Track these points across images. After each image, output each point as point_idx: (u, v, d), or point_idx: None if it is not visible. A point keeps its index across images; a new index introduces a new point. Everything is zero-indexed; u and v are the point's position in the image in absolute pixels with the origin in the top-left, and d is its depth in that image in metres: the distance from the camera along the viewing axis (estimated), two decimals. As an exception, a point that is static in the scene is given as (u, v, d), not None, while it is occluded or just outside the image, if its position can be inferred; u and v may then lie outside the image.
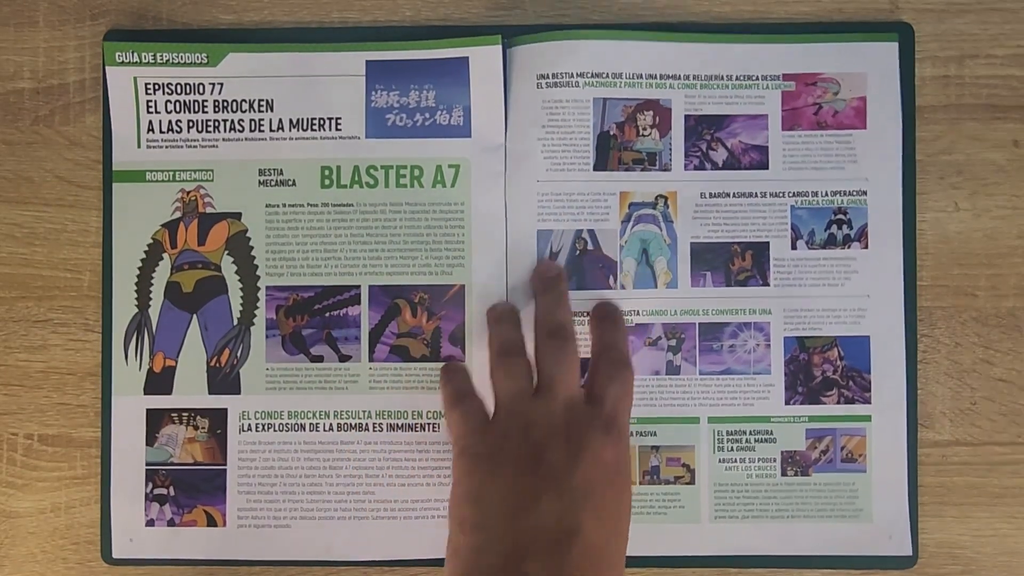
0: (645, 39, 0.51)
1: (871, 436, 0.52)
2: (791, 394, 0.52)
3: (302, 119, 0.52)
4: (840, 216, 0.52)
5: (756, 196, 0.52)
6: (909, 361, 0.52)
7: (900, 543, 0.51)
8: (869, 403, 0.52)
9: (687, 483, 0.51)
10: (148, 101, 0.52)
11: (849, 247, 0.52)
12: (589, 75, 0.51)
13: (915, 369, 0.52)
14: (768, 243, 0.52)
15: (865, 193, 0.52)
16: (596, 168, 0.51)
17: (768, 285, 0.52)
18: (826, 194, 0.52)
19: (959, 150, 0.52)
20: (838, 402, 0.52)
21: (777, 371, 0.52)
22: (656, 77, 0.51)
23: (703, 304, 0.52)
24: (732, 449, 0.52)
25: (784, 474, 0.52)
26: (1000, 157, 0.52)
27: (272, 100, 0.52)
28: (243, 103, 0.52)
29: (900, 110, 0.52)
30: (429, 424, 0.52)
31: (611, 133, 0.51)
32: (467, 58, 0.51)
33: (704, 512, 0.52)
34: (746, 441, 0.52)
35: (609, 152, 0.51)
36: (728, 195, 0.51)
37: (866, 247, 0.52)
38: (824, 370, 0.52)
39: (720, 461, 0.52)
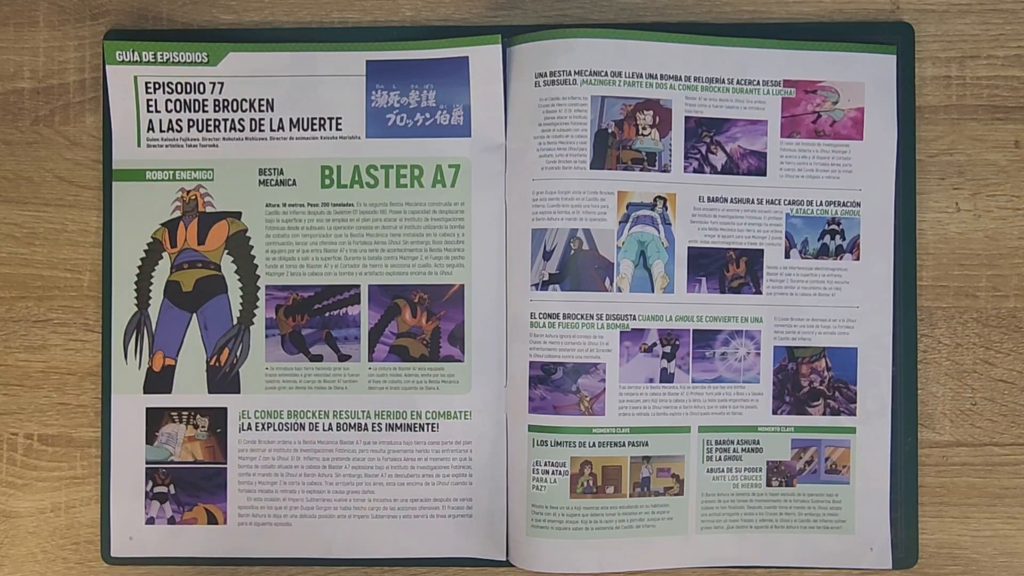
0: (645, 39, 0.53)
1: (855, 448, 0.54)
2: (778, 404, 0.54)
3: (302, 119, 0.54)
4: (833, 226, 0.54)
5: (753, 203, 0.54)
6: (896, 372, 0.54)
7: (881, 555, 0.53)
8: (854, 415, 0.54)
9: (676, 494, 0.54)
10: (148, 100, 0.54)
11: (841, 258, 0.54)
12: (587, 73, 0.53)
13: (908, 377, 0.54)
14: (762, 251, 0.54)
15: (859, 204, 0.54)
16: (593, 166, 0.53)
17: (760, 293, 0.54)
18: (821, 203, 0.54)
19: (960, 151, 0.55)
20: (824, 413, 0.54)
21: (766, 380, 0.54)
22: (656, 77, 0.53)
23: (698, 310, 0.54)
24: (720, 459, 0.54)
25: (769, 484, 0.54)
26: (1001, 158, 0.54)
27: (272, 100, 0.54)
28: (243, 102, 0.54)
29: (896, 123, 0.54)
30: (428, 424, 0.54)
31: (609, 131, 0.53)
32: (467, 58, 0.53)
33: (691, 523, 0.54)
34: (733, 451, 0.54)
35: (607, 150, 0.53)
36: (726, 200, 0.54)
37: (858, 259, 0.54)
38: (811, 380, 0.54)
39: (708, 471, 0.54)
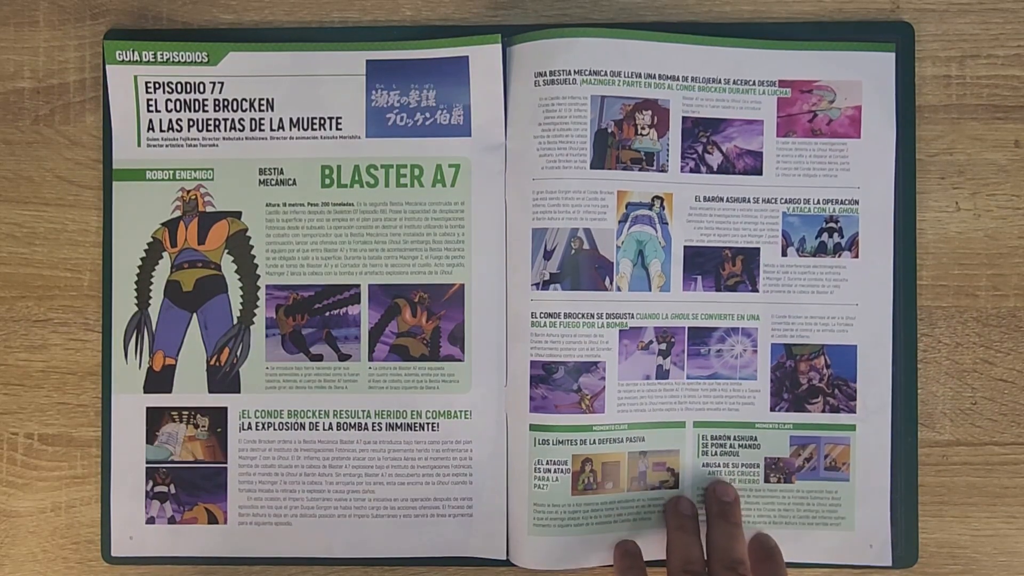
0: (644, 38, 0.54)
1: (855, 445, 0.55)
2: (776, 401, 0.55)
3: (302, 118, 0.56)
4: (831, 224, 0.55)
5: (749, 202, 0.55)
6: (896, 371, 0.55)
7: (881, 552, 0.55)
8: (854, 412, 0.55)
9: (671, 487, 0.55)
10: (148, 100, 0.56)
11: (840, 256, 0.55)
12: (587, 73, 0.54)
13: (908, 377, 0.55)
14: (759, 249, 0.55)
15: (857, 202, 0.55)
16: (593, 166, 0.54)
17: (757, 291, 0.55)
18: (818, 202, 0.55)
19: (960, 150, 0.56)
20: (823, 410, 0.55)
21: (763, 377, 0.55)
22: (655, 77, 0.55)
23: (693, 308, 0.55)
24: (716, 454, 0.55)
25: (767, 480, 0.55)
26: (1001, 157, 0.56)
27: (272, 99, 0.56)
28: (243, 102, 0.56)
29: (895, 120, 0.55)
30: (428, 423, 0.55)
31: (609, 131, 0.54)
32: (467, 57, 0.55)
33: None
34: (730, 446, 0.55)
35: (607, 150, 0.54)
36: (722, 199, 0.55)
37: (856, 256, 0.55)
38: (810, 378, 0.55)
39: (704, 466, 0.55)
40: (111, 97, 0.56)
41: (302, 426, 0.55)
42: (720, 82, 0.55)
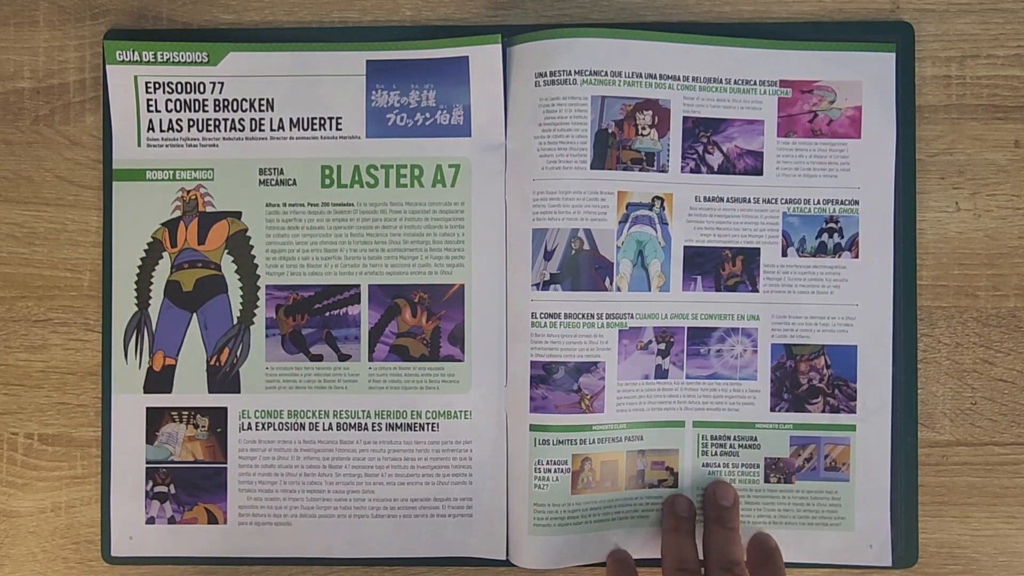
0: (644, 38, 0.55)
1: (855, 445, 0.55)
2: (776, 401, 0.56)
3: (302, 118, 0.56)
4: (832, 225, 0.55)
5: (749, 202, 0.55)
6: (896, 371, 0.55)
7: (880, 552, 0.55)
8: (854, 412, 0.55)
9: (670, 486, 0.55)
10: (148, 100, 0.56)
11: (840, 256, 0.55)
12: (587, 73, 0.54)
13: (908, 377, 0.55)
14: (759, 249, 0.55)
15: (857, 203, 0.55)
16: (594, 167, 0.54)
17: (757, 291, 0.55)
18: (818, 202, 0.55)
19: (960, 150, 0.56)
20: (823, 410, 0.55)
21: (763, 377, 0.55)
22: (656, 77, 0.55)
23: (693, 308, 0.55)
24: (716, 454, 0.55)
25: (767, 480, 0.55)
26: (1001, 157, 0.56)
27: (272, 99, 0.56)
28: (243, 102, 0.56)
29: (895, 120, 0.55)
30: (428, 424, 0.56)
31: (609, 131, 0.54)
32: (467, 58, 0.55)
33: None
34: (730, 446, 0.55)
35: (607, 150, 0.55)
36: (722, 200, 0.55)
37: (857, 256, 0.55)
38: (810, 378, 0.55)
39: (704, 465, 0.55)
40: (111, 97, 0.56)
41: (302, 426, 0.56)
42: (720, 82, 0.55)
